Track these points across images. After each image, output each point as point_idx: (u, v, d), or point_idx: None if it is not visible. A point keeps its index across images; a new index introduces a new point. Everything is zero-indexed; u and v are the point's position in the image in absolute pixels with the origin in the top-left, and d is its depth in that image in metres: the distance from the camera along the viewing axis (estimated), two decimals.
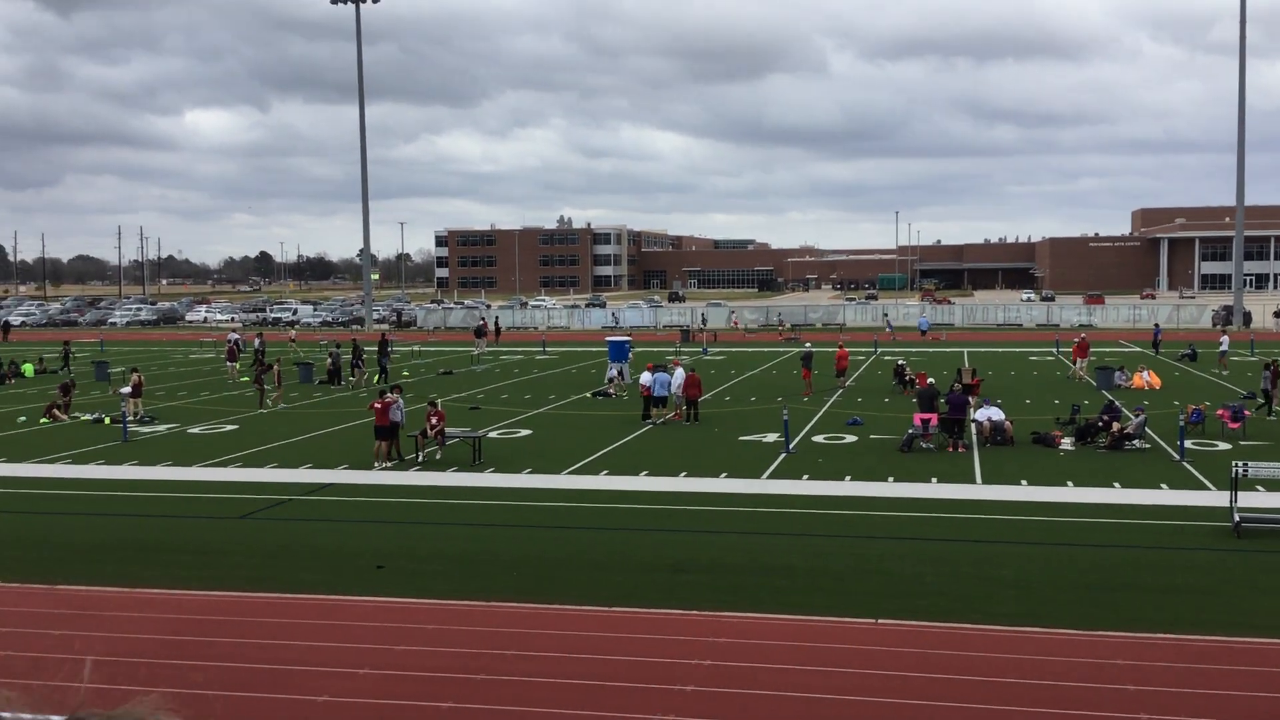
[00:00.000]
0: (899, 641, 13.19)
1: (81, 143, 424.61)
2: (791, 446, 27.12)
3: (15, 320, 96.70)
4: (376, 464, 25.40)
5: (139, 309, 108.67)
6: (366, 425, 31.71)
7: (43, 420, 33.85)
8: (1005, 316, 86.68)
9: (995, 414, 28.32)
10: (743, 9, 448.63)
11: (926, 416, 27.45)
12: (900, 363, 42.58)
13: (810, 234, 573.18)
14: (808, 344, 46.90)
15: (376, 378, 44.29)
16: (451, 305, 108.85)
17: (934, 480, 23.21)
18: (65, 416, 34.22)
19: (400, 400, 26.57)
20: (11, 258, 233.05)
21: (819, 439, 28.94)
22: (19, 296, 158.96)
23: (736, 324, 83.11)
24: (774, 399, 37.18)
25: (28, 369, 48.37)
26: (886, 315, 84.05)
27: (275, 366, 39.66)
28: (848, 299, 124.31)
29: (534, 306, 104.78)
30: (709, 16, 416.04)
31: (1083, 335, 47.33)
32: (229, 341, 50.72)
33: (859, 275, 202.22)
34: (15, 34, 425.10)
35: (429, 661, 12.69)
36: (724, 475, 24.09)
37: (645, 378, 33.12)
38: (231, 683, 12.11)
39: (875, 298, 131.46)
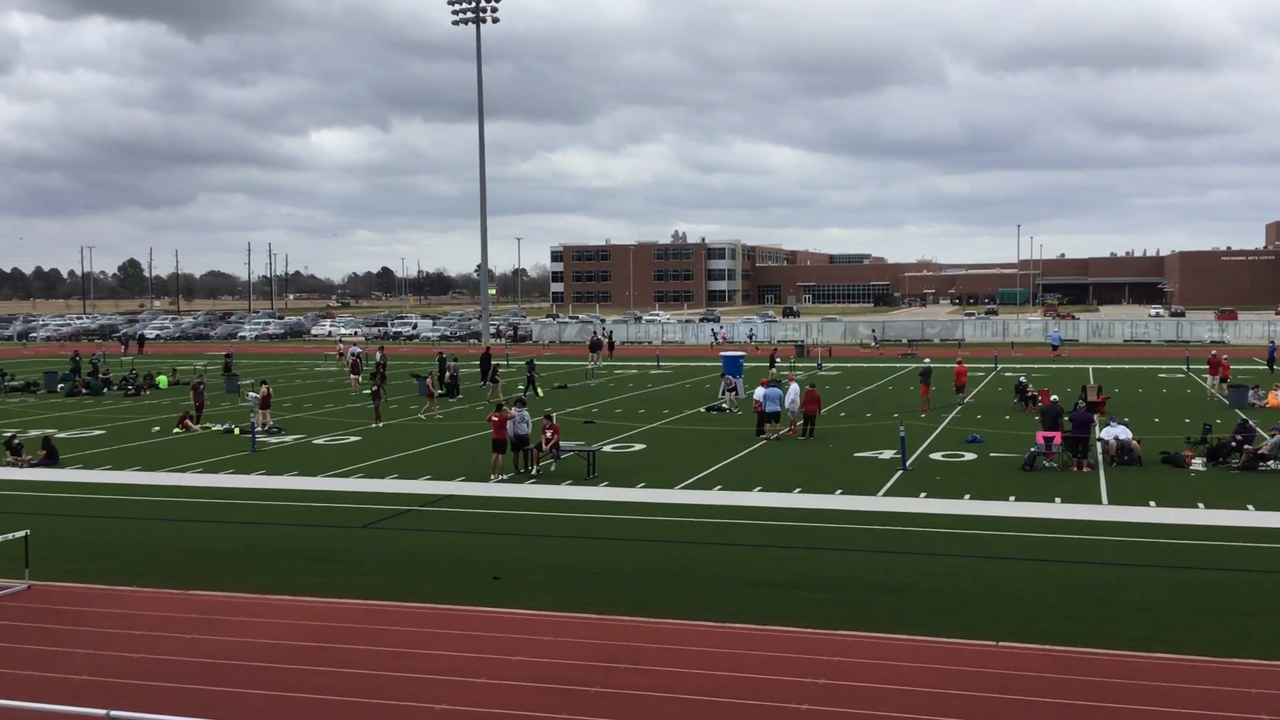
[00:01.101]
0: (1021, 665, 12.87)
1: (213, 162, 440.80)
2: (908, 464, 26.71)
3: (150, 334, 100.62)
4: (494, 476, 25.76)
5: (267, 323, 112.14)
6: (483, 438, 32.18)
7: (175, 430, 35.13)
8: (1132, 332, 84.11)
9: (1122, 433, 27.48)
10: (857, 22, 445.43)
11: (1050, 434, 26.77)
12: (1022, 379, 41.64)
13: (927, 248, 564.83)
14: (926, 360, 46.16)
15: (489, 393, 44.91)
16: (566, 320, 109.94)
17: (1057, 500, 22.62)
18: (197, 427, 35.46)
19: (525, 414, 26.87)
20: (147, 273, 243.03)
21: (937, 456, 28.44)
22: (154, 310, 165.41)
23: (867, 340, 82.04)
24: (890, 415, 36.67)
25: (162, 381, 50.26)
26: (873, 332, 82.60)
27: (377, 379, 40.59)
28: (966, 314, 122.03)
29: (648, 321, 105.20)
30: (823, 30, 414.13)
31: (1215, 352, 45.66)
32: (351, 355, 52.04)
33: (978, 290, 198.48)
34: (149, 58, 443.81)
35: (544, 673, 12.80)
36: (839, 492, 23.83)
37: (759, 393, 32.98)
38: (352, 688, 12.38)
39: (995, 313, 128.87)
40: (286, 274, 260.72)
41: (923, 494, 23.40)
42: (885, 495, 23.47)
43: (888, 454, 28.54)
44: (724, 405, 39.80)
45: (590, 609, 15.30)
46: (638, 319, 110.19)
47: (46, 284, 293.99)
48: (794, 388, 33.04)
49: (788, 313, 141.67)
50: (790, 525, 20.64)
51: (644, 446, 30.99)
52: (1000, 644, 13.61)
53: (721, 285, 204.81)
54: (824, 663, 12.99)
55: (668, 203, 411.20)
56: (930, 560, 17.88)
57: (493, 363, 47.63)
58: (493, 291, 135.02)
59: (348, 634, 14.35)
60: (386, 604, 15.74)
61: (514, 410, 26.62)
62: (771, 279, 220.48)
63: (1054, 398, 29.88)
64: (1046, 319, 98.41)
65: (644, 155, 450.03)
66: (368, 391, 43.50)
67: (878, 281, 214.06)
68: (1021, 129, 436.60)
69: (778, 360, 50.33)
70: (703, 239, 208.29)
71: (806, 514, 21.59)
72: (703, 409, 39.92)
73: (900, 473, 25.92)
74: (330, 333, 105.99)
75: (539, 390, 45.56)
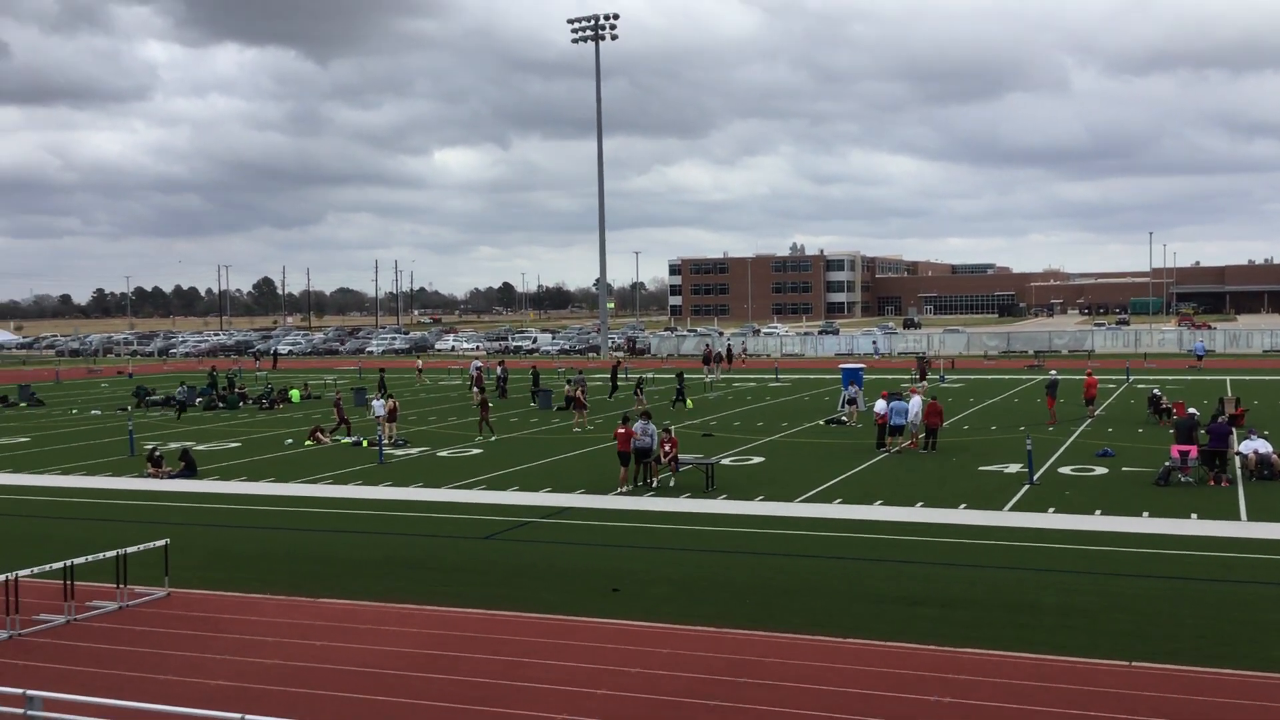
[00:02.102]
0: (1152, 686, 12.45)
1: (340, 183, 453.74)
2: (1035, 478, 26.07)
3: (283, 349, 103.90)
4: (620, 488, 25.99)
5: (393, 338, 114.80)
6: (601, 451, 32.44)
7: (307, 443, 36.20)
8: (1272, 342, 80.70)
9: (1262, 446, 26.39)
10: (977, 29, 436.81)
11: (1185, 448, 25.85)
12: (1156, 391, 40.29)
13: (1053, 256, 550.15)
14: (1053, 371, 44.98)
15: (636, 404, 45.23)
16: (684, 333, 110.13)
17: (1194, 516, 21.82)
18: (327, 440, 36.48)
19: (649, 426, 27.01)
20: (280, 291, 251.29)
21: (1066, 470, 27.70)
22: (286, 327, 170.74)
23: (991, 351, 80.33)
24: (1016, 428, 35.85)
25: (294, 395, 51.84)
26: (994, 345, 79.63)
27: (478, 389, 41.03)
28: (1096, 324, 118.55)
29: (766, 333, 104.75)
30: (941, 38, 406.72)
31: None
32: (473, 369, 52.97)
33: (1108, 299, 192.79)
34: (279, 83, 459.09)
35: (663, 685, 12.84)
36: (963, 506, 23.39)
37: (880, 406, 32.57)
38: (474, 697, 12.59)
39: (1127, 322, 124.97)
40: (411, 290, 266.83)
41: (1051, 509, 22.82)
42: (1011, 510, 22.95)
43: (1014, 468, 27.91)
44: (844, 418, 39.40)
45: (708, 622, 15.30)
46: (756, 331, 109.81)
47: (185, 302, 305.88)
48: (916, 400, 32.57)
49: (908, 324, 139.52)
50: (911, 540, 20.33)
51: (762, 459, 30.86)
52: (1133, 664, 13.19)
53: (840, 297, 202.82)
54: (945, 681, 12.76)
55: (785, 215, 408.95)
56: (1057, 577, 17.42)
57: (624, 377, 48.17)
58: (611, 305, 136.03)
59: (470, 643, 14.60)
60: (507, 614, 15.97)
61: (638, 423, 26.79)
62: (891, 290, 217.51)
63: (1190, 410, 28.86)
64: (1181, 329, 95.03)
65: (760, 168, 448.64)
66: (475, 404, 44.13)
67: (1002, 292, 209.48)
68: (1150, 134, 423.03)
69: (928, 372, 49.89)
70: (821, 250, 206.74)
71: (929, 528, 21.24)
72: (822, 421, 39.58)
73: (1027, 487, 25.32)
74: (453, 348, 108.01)
75: (689, 402, 45.86)
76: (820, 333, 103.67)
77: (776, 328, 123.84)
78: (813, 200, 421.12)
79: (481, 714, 12.11)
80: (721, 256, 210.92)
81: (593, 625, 15.32)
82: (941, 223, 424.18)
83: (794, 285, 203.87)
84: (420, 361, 75.26)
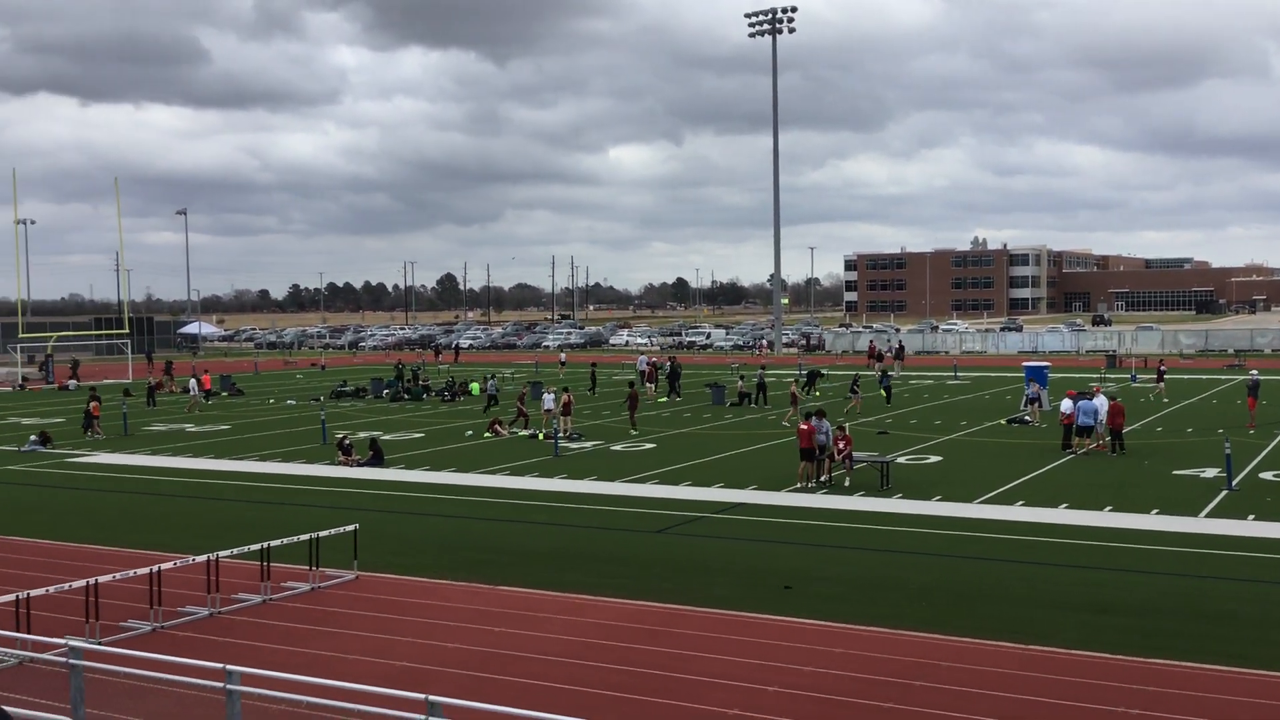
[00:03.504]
0: None
1: (518, 181, 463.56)
2: (1234, 483, 24.73)
3: (464, 343, 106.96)
4: (800, 484, 25.87)
5: (569, 333, 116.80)
6: (773, 447, 32.30)
7: (486, 435, 37.17)
8: None
9: None
10: (1170, 13, 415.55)
11: None
12: None
13: (1256, 250, 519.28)
14: (1254, 371, 42.56)
15: (850, 404, 44.92)
16: (860, 329, 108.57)
17: None
18: (505, 432, 37.38)
19: (825, 424, 26.80)
20: (461, 286, 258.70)
21: (1268, 476, 26.19)
22: (467, 321, 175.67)
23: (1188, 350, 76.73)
24: (1213, 431, 34.06)
25: (474, 388, 53.29)
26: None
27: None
28: None
29: (944, 330, 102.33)
30: (1131, 23, 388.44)
31: None
32: (643, 364, 53.43)
33: None
34: (460, 84, 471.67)
35: (835, 685, 12.71)
36: (1155, 512, 22.37)
37: (1066, 405, 31.43)
38: (646, 688, 12.72)
39: None
40: (587, 285, 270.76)
41: (1251, 516, 21.61)
42: (1207, 517, 21.84)
43: (1211, 472, 26.54)
44: (1026, 417, 38.18)
45: (883, 623, 15.06)
46: (934, 328, 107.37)
47: (374, 297, 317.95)
48: (1101, 400, 31.30)
49: (1097, 321, 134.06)
50: (1099, 545, 19.56)
51: (940, 458, 30.18)
52: None
53: (1025, 293, 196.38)
54: (1133, 692, 12.24)
55: (965, 208, 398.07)
56: (1257, 588, 16.50)
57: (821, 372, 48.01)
58: (785, 301, 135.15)
59: (642, 635, 14.76)
60: (679, 607, 16.07)
61: (813, 420, 26.58)
62: (1080, 286, 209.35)
63: None
64: None
65: (939, 160, 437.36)
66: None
67: (1200, 287, 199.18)
68: None
69: (1162, 369, 48.39)
70: (1004, 245, 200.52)
71: (1117, 534, 20.40)
72: (1003, 421, 38.46)
73: (1225, 492, 24.05)
74: (627, 342, 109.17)
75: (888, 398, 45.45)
76: (1002, 329, 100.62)
77: (956, 324, 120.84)
78: (995, 193, 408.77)
79: (654, 706, 12.22)
80: (899, 251, 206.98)
81: (764, 622, 15.28)
82: (1133, 215, 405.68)
83: (975, 281, 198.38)
84: (564, 355, 77.24)
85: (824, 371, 58.36)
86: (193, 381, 49.55)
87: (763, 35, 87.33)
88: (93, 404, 39.21)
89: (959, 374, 60.76)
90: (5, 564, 19.39)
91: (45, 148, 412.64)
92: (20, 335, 71.22)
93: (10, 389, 62.75)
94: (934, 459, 30.18)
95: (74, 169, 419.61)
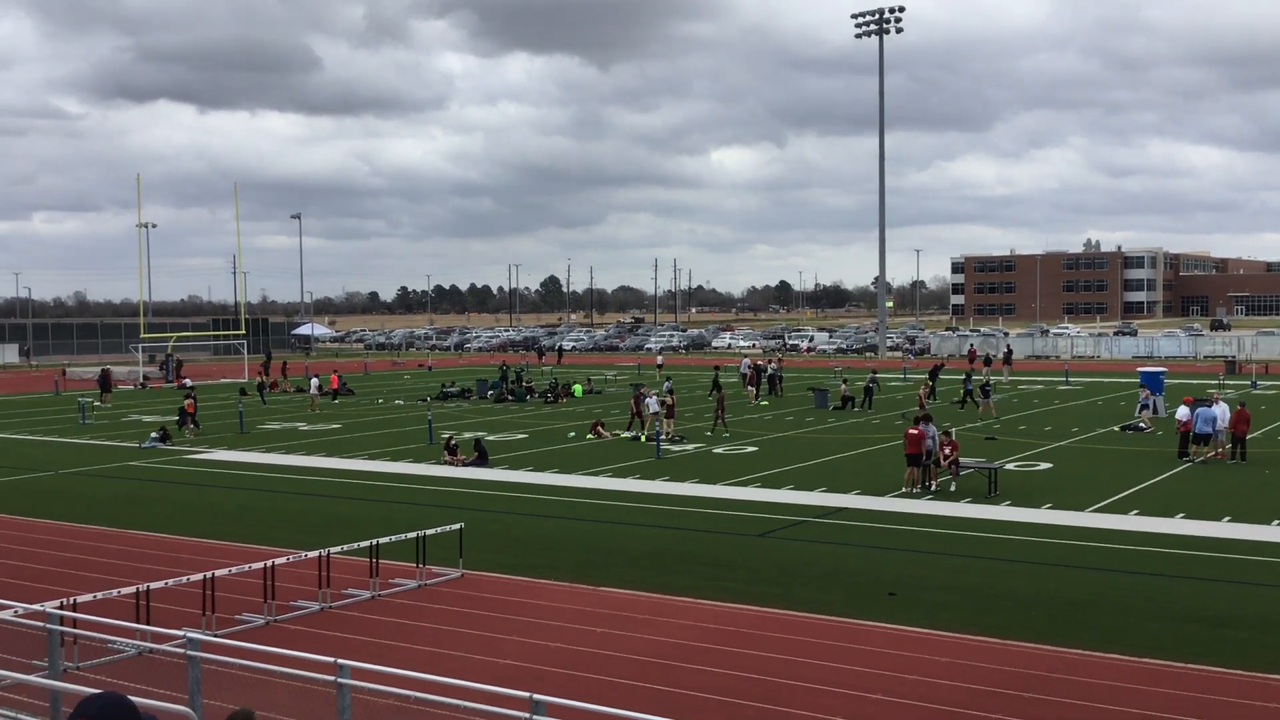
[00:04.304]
0: None
1: (621, 184, 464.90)
2: None
3: (568, 345, 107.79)
4: (905, 489, 25.57)
5: (672, 335, 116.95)
6: (877, 451, 31.91)
7: (588, 436, 37.40)
8: None
9: None
10: None
11: None
12: None
13: None
14: None
15: (981, 408, 44.36)
16: (966, 333, 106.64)
17: None
18: (608, 434, 37.57)
19: (932, 429, 26.42)
20: (565, 289, 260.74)
21: None
22: (570, 324, 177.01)
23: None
24: None
25: (577, 389, 53.68)
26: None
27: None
28: None
29: (1055, 334, 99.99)
30: (1249, 18, 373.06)
31: None
32: (744, 367, 53.23)
33: None
34: (564, 89, 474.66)
35: (942, 695, 12.50)
36: (1275, 523, 21.56)
37: (1183, 412, 30.46)
38: (747, 693, 12.67)
39: None
40: (689, 288, 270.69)
41: None
42: None
43: None
44: (1141, 424, 37.12)
45: (990, 632, 14.77)
46: (1044, 332, 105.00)
47: (479, 299, 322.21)
48: (1222, 406, 30.26)
49: (1216, 325, 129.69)
50: (1217, 557, 18.92)
51: (1050, 465, 29.50)
52: None
53: (1139, 296, 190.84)
54: (1254, 709, 11.81)
55: (1076, 210, 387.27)
56: None
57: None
58: (890, 304, 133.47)
59: (744, 639, 14.70)
60: (782, 612, 15.97)
61: (920, 425, 26.22)
62: (1197, 289, 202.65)
63: None
64: None
65: (1049, 161, 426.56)
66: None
67: None
68: None
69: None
70: (1118, 247, 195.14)
71: (1237, 545, 19.70)
72: (1117, 427, 37.44)
73: None
74: (729, 345, 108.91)
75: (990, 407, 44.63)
76: (1116, 333, 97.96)
77: (1067, 328, 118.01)
78: (1107, 194, 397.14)
79: (756, 711, 12.17)
80: (1007, 254, 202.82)
81: (868, 628, 15.10)
82: (1254, 217, 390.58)
83: (1087, 284, 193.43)
84: (660, 358, 77.57)
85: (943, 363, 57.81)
86: (313, 380, 50.77)
87: (869, 35, 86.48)
88: (187, 401, 40.35)
89: (1070, 379, 59.32)
90: (126, 557, 20.12)
91: (165, 154, 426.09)
92: (142, 335, 73.90)
93: (132, 387, 65.07)
94: (1044, 466, 29.51)
95: (193, 174, 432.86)
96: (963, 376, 47.91)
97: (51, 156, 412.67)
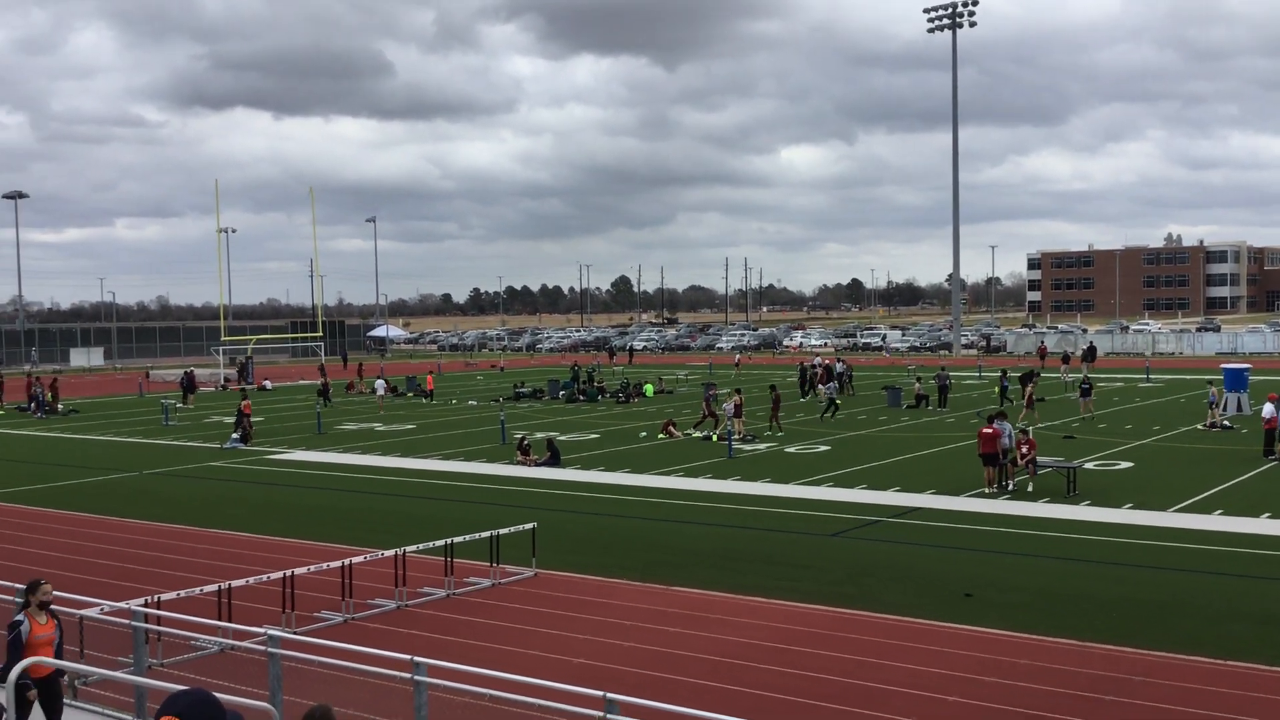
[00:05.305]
0: None
1: (690, 183, 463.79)
2: None
3: (639, 345, 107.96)
4: (986, 488, 25.27)
5: (743, 335, 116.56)
6: (950, 450, 31.53)
7: (660, 436, 37.44)
8: None
9: None
10: None
11: None
12: None
13: None
14: None
15: (1083, 408, 43.80)
16: (1044, 330, 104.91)
17: None
18: (679, 434, 37.56)
19: (1008, 427, 26.09)
20: (635, 289, 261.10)
21: None
22: (641, 324, 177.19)
23: None
24: None
25: (648, 389, 53.75)
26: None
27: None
28: None
29: (1135, 331, 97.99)
30: None
31: None
32: (813, 366, 52.86)
33: None
34: (631, 90, 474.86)
35: (1020, 697, 12.32)
36: None
37: (1268, 409, 29.69)
38: (822, 693, 12.59)
39: None
40: (760, 287, 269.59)
41: None
42: None
43: None
44: (1226, 422, 36.24)
45: (1070, 634, 14.53)
46: (1124, 329, 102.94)
47: (550, 300, 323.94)
48: None
49: None
50: None
51: (1131, 464, 28.93)
52: None
53: (1223, 291, 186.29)
54: None
55: (1155, 204, 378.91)
56: None
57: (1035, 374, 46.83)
58: (964, 301, 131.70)
59: (818, 639, 14.62)
60: (856, 612, 15.86)
61: (995, 423, 25.87)
62: None
63: None
64: None
65: (1126, 154, 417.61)
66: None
67: None
68: None
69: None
70: (1200, 241, 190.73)
71: None
72: (1200, 425, 36.61)
73: None
74: (800, 344, 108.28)
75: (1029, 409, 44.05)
76: (1199, 330, 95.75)
77: (1147, 324, 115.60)
78: (1187, 188, 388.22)
79: (829, 711, 12.10)
80: (1085, 249, 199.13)
81: (944, 630, 14.93)
82: None
83: (1168, 279, 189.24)
84: (739, 357, 78.19)
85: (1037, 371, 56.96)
86: (379, 382, 51.35)
87: (941, 30, 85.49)
88: (244, 403, 41.03)
89: (1151, 376, 58.11)
90: (208, 555, 20.56)
91: (243, 160, 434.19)
92: (222, 339, 75.46)
93: (213, 389, 66.46)
94: (1124, 465, 28.95)
95: (269, 180, 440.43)
96: (1015, 374, 47.39)
97: (132, 163, 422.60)
